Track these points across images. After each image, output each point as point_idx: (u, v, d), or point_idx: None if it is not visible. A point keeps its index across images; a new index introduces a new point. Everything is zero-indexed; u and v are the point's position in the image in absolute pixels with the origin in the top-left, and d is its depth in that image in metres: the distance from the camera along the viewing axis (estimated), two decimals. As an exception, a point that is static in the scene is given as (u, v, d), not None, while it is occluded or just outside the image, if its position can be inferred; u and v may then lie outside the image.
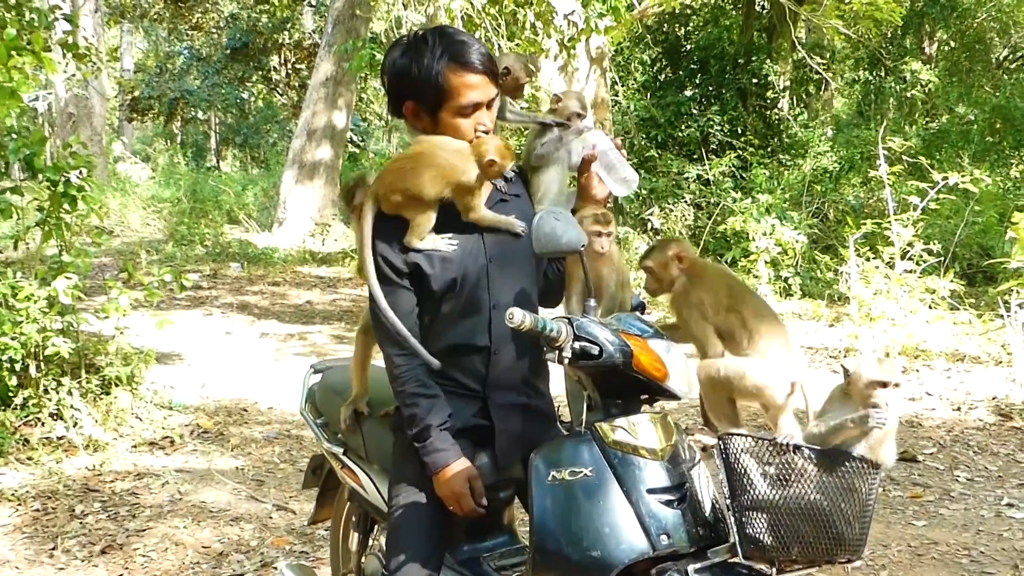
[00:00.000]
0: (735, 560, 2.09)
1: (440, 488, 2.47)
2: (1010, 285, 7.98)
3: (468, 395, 2.60)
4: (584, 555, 2.09)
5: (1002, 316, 7.97)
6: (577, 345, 2.16)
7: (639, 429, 2.19)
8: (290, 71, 25.20)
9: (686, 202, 13.42)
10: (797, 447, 2.04)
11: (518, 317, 2.10)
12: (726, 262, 11.60)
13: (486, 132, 2.53)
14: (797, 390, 2.44)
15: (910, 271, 8.75)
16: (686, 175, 13.81)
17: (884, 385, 2.08)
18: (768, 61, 15.31)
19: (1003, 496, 5.17)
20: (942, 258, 9.54)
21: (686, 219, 13.16)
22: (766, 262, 10.83)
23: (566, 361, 2.16)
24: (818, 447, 2.07)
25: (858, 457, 2.05)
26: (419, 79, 2.49)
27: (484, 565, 2.66)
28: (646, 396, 2.29)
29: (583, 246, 2.25)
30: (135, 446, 5.80)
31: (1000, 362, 7.98)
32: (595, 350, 2.16)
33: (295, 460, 5.68)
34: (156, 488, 5.24)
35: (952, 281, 9.05)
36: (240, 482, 5.36)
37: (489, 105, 2.54)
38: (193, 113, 25.84)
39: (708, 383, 2.49)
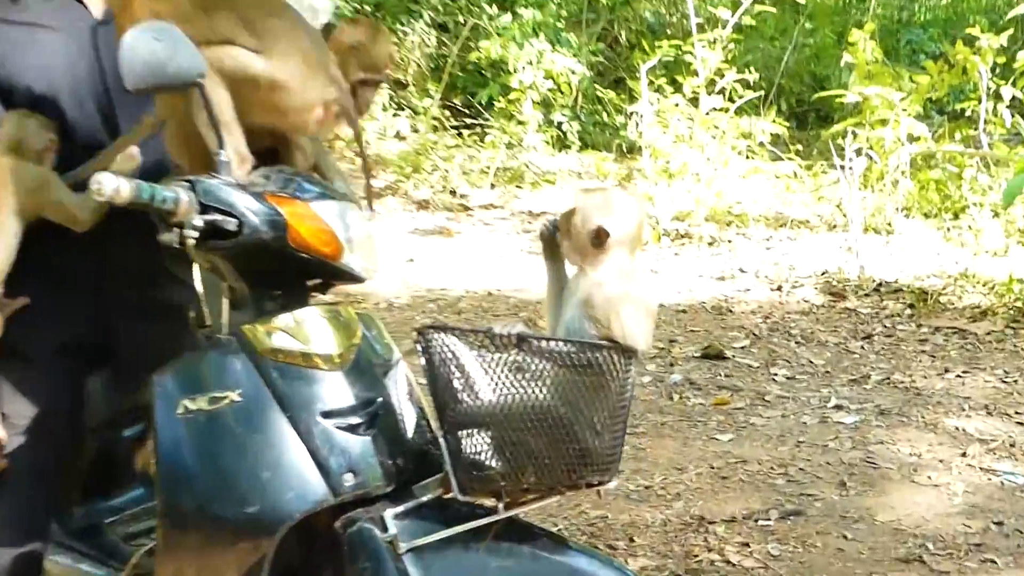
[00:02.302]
0: (449, 496, 2.10)
1: None
2: (845, 125, 8.34)
3: (77, 290, 2.55)
4: (237, 513, 2.05)
5: (837, 167, 8.37)
6: (203, 219, 2.07)
7: (307, 329, 2.15)
8: None
9: (425, 22, 13.22)
10: (522, 338, 2.05)
11: (109, 185, 1.99)
12: (479, 103, 11.64)
13: None
14: (328, 114, 2.35)
15: (720, 109, 9.02)
16: (425, -17, 13.59)
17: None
18: None
19: (830, 396, 5.55)
20: (762, 92, 9.88)
21: (426, 45, 13.00)
22: (534, 102, 10.90)
23: (191, 243, 2.08)
24: (549, 337, 2.11)
25: (603, 343, 2.07)
26: None
27: (108, 534, 2.59)
28: (316, 281, 2.27)
29: (202, 76, 2.12)
30: None
31: (834, 226, 8.50)
32: (231, 224, 2.09)
33: None
34: None
35: (775, 123, 9.41)
36: None
37: None
38: None
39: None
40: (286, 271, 2.20)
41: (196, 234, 2.07)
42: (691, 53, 9.28)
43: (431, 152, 10.68)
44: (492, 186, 10.38)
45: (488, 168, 10.58)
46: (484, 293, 7.35)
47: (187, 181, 2.11)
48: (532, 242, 8.55)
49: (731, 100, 9.12)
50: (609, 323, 2.08)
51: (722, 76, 9.13)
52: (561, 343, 2.07)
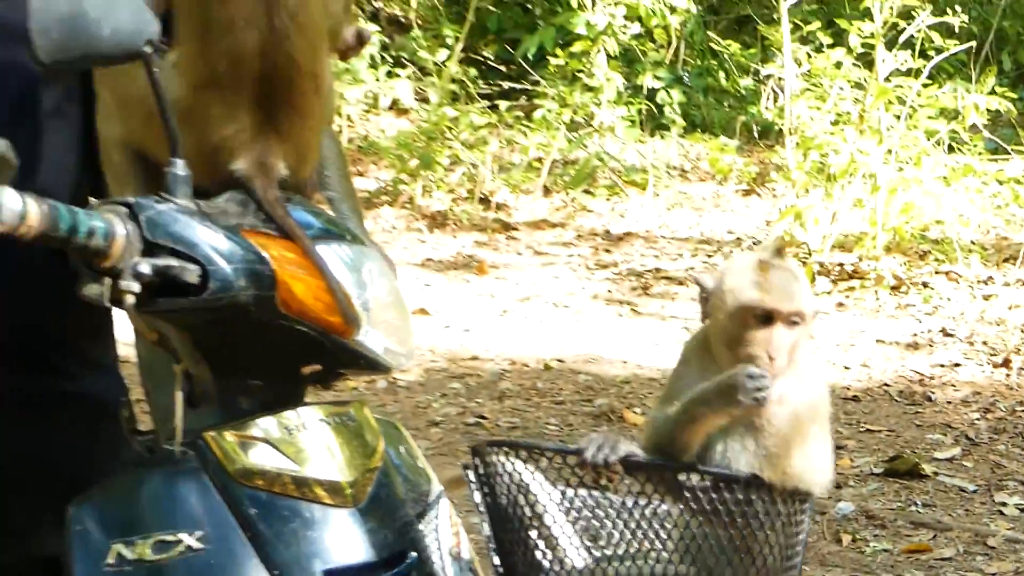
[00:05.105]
0: None
1: None
2: None
3: None
4: None
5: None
6: (150, 264, 1.80)
7: (302, 441, 1.93)
8: None
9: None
10: (633, 464, 1.73)
11: (11, 207, 1.71)
12: (524, 58, 10.03)
13: None
14: None
15: (908, 72, 7.69)
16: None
17: (769, 317, 1.92)
18: None
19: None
20: (973, 45, 8.73)
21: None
22: (610, 57, 9.22)
23: (130, 300, 1.85)
24: (672, 463, 1.78)
25: (757, 481, 1.74)
26: None
27: None
28: (315, 368, 2.07)
29: (154, 42, 1.88)
30: None
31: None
32: (192, 273, 1.83)
33: None
34: None
35: (994, 95, 7.84)
36: None
37: None
38: None
39: None
40: (272, 351, 2.00)
41: (138, 287, 1.86)
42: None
43: (449, 135, 9.09)
44: (546, 191, 8.95)
45: (540, 162, 9.11)
46: (538, 365, 6.24)
47: (124, 205, 1.94)
48: (613, 283, 7.68)
49: (924, 57, 7.82)
50: (788, 459, 1.79)
51: (911, 19, 7.74)
52: (695, 475, 1.77)
